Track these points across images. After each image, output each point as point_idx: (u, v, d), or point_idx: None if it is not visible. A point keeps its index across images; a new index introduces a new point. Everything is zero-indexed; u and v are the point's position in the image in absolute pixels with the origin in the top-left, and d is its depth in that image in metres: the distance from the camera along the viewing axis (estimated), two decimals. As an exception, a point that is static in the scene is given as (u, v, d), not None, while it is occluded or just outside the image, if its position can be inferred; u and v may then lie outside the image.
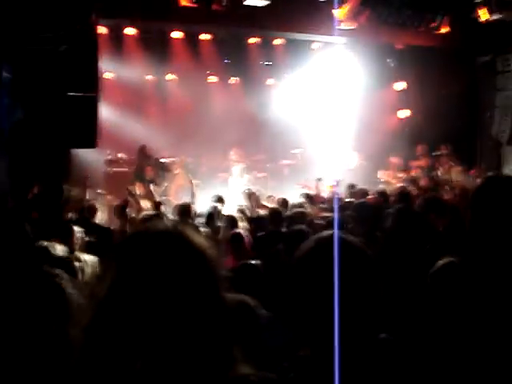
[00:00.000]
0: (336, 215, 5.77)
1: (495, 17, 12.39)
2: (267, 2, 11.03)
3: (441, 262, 2.67)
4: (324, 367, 1.73)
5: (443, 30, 12.92)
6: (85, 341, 1.31)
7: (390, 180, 13.16)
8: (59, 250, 4.37)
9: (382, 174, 13.49)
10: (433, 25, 12.77)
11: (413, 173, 13.31)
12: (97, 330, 1.29)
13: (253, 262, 4.49)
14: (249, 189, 10.15)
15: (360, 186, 10.27)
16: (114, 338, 1.27)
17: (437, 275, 2.67)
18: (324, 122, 14.51)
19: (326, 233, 1.97)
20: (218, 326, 1.28)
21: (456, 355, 2.37)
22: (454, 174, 12.45)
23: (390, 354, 1.87)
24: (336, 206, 6.00)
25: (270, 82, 15.57)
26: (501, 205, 2.50)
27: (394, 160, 13.73)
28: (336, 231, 1.92)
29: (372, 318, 1.85)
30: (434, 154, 13.73)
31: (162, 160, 12.31)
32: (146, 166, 11.92)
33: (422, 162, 13.64)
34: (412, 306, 3.23)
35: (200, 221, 7.27)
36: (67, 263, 4.11)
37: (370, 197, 8.82)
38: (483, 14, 12.36)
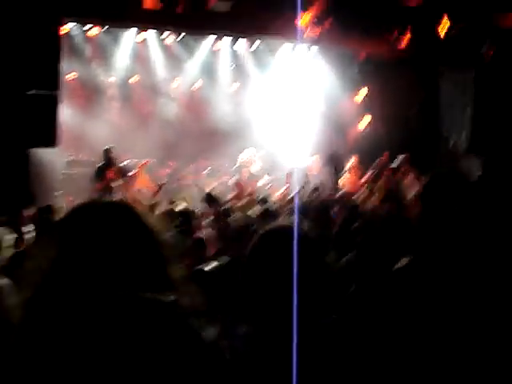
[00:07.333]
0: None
1: (453, 31, 12.68)
2: (228, 8, 11.10)
3: (403, 261, 2.69)
4: (278, 347, 1.80)
5: (405, 41, 13.11)
6: (26, 315, 1.25)
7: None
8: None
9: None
10: (395, 36, 12.96)
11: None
12: (40, 303, 1.24)
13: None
14: None
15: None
16: (59, 310, 1.22)
17: (400, 273, 2.68)
18: (287, 127, 14.58)
19: (272, 225, 2.03)
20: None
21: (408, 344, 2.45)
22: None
23: (338, 334, 1.94)
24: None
25: (235, 85, 15.61)
26: (448, 200, 2.50)
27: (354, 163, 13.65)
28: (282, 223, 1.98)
29: (320, 302, 1.91)
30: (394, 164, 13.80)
31: (124, 163, 12.20)
32: (108, 168, 11.81)
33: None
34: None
35: None
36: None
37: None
38: (442, 29, 12.63)
